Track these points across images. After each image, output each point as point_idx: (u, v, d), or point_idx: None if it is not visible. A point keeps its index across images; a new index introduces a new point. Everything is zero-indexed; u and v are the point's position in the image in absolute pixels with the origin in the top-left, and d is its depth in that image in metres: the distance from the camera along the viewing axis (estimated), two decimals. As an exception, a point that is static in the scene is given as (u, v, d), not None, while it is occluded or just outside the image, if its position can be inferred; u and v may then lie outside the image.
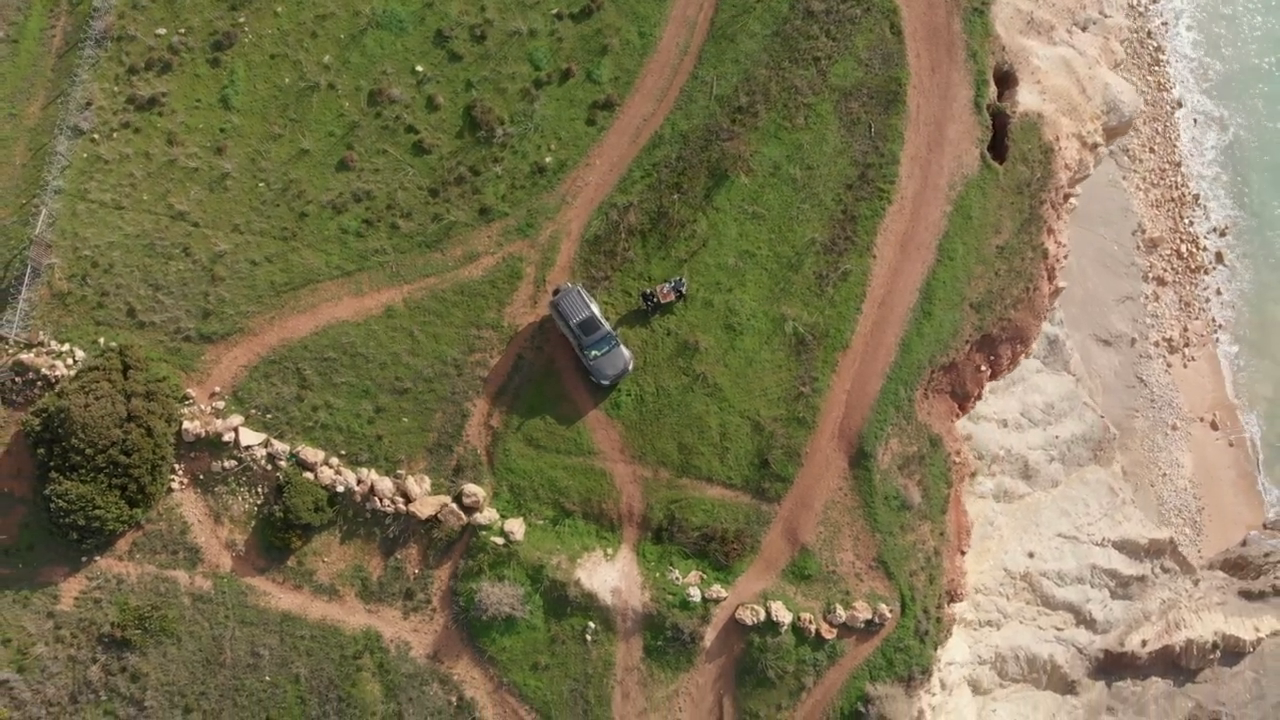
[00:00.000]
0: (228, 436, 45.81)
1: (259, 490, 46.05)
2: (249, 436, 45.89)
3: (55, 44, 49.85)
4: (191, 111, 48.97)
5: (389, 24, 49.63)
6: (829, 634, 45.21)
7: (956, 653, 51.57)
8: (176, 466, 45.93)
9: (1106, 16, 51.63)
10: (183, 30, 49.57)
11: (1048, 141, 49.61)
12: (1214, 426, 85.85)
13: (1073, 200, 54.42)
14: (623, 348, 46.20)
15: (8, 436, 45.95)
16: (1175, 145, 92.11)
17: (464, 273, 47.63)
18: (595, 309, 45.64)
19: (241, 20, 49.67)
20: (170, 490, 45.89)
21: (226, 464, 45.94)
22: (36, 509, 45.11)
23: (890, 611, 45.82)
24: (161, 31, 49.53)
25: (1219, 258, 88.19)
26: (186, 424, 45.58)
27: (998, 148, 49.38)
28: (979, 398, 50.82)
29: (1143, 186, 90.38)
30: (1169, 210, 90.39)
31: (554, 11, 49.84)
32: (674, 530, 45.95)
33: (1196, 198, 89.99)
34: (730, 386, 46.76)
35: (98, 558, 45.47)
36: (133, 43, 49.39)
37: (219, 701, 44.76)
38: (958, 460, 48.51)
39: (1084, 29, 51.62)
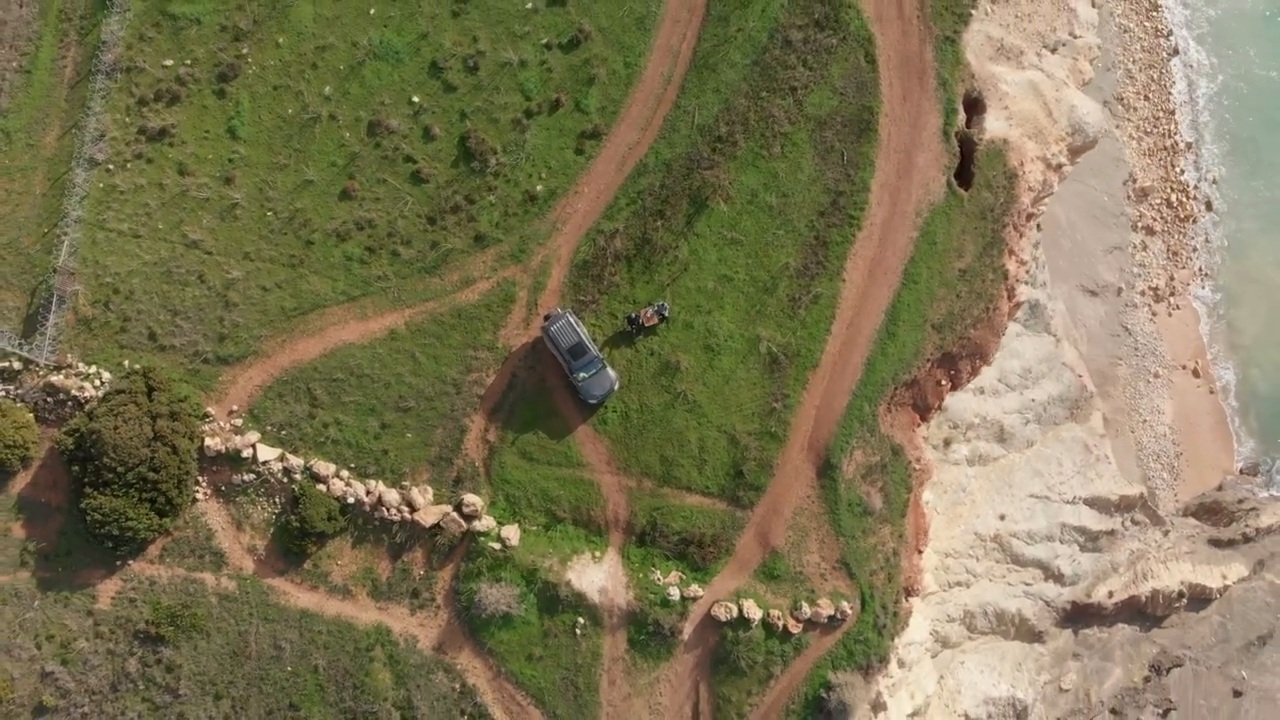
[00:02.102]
0: (246, 452, 49.76)
1: (276, 500, 50.22)
2: (265, 452, 49.84)
3: (67, 74, 51.88)
4: (200, 142, 51.36)
5: (386, 55, 51.50)
6: (795, 628, 49.73)
7: (915, 634, 56.05)
8: (200, 479, 50.09)
9: (1077, 37, 53.19)
10: (189, 62, 51.51)
11: (1012, 167, 51.77)
12: (1195, 374, 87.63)
13: (1041, 208, 56.91)
14: (609, 369, 49.64)
15: (43, 452, 50.04)
16: (1170, 93, 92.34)
17: (461, 297, 50.71)
18: (584, 334, 48.89)
19: (245, 52, 51.56)
20: (195, 501, 50.12)
21: (246, 477, 50.01)
22: (73, 518, 49.43)
23: (851, 608, 50.24)
24: (169, 63, 51.51)
25: (1208, 206, 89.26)
26: (208, 441, 49.53)
27: (964, 173, 51.58)
28: (940, 408, 54.29)
29: (1136, 135, 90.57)
30: (1161, 159, 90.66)
31: (543, 42, 51.55)
32: (656, 535, 50.13)
33: (1189, 146, 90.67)
34: (708, 403, 50.31)
35: (131, 562, 49.94)
36: (141, 74, 51.44)
37: (246, 689, 49.74)
38: (918, 467, 52.31)
39: (1054, 51, 53.20)
